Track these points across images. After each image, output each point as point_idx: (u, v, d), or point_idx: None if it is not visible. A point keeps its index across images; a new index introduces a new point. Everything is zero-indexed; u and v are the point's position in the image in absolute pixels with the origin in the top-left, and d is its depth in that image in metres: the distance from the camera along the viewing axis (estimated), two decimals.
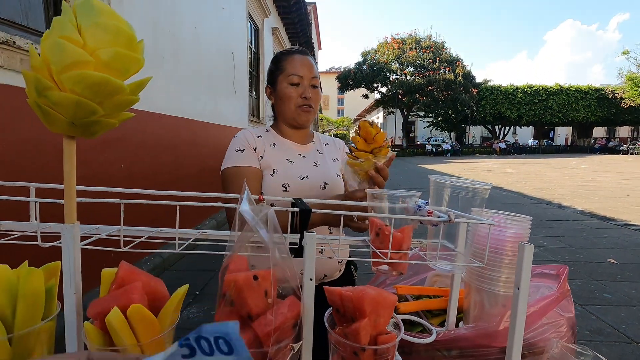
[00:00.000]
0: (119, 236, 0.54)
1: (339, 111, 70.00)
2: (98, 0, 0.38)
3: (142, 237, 0.58)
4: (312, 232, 0.46)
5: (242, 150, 1.03)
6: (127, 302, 0.40)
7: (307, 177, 1.04)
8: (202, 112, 4.84)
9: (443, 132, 35.22)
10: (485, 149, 31.76)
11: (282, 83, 1.07)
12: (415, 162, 20.98)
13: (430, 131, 35.92)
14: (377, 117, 43.00)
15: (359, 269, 1.27)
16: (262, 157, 1.04)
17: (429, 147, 30.06)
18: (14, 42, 2.07)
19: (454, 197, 0.65)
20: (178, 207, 0.53)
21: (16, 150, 2.06)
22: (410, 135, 38.29)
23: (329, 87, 50.18)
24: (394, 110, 31.32)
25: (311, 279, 0.46)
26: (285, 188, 1.00)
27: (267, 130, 1.15)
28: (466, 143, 36.21)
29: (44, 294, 0.43)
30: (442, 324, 0.78)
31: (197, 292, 2.98)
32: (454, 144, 31.48)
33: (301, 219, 0.56)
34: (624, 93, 27.98)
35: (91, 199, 0.54)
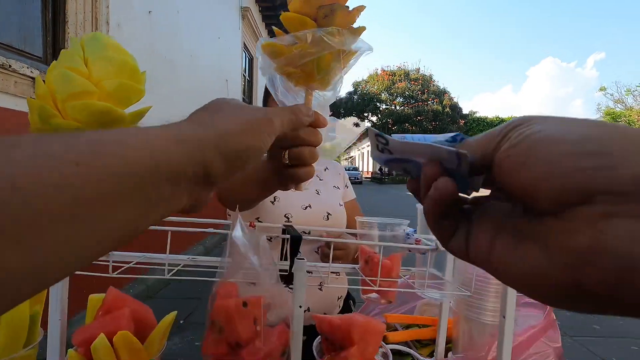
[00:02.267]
0: (107, 261, 0.54)
1: None
2: (105, 35, 0.40)
3: (130, 262, 0.58)
4: (303, 259, 0.47)
5: None
6: (115, 328, 0.40)
7: (309, 206, 1.00)
8: None
9: None
10: None
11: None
12: (404, 189, 21.16)
13: None
14: (367, 145, 43.63)
15: (357, 301, 1.22)
16: None
17: None
18: (10, 66, 2.10)
19: None
20: (169, 233, 0.54)
21: None
22: None
23: None
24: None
25: (300, 307, 0.47)
26: (288, 219, 0.96)
27: None
28: None
29: (27, 320, 0.42)
30: (431, 354, 0.77)
31: (181, 322, 2.87)
32: None
33: (292, 246, 0.57)
34: None
35: None
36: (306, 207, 0.99)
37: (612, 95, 29.12)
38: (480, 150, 0.20)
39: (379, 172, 34.51)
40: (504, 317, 0.51)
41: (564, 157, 0.15)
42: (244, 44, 7.78)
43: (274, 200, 0.98)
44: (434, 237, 0.66)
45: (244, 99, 8.01)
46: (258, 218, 0.98)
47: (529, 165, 0.16)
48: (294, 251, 0.57)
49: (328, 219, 1.00)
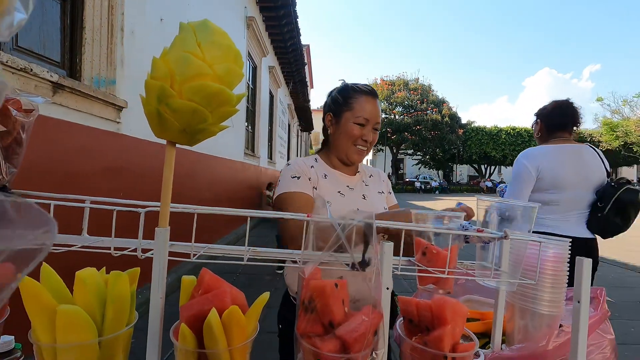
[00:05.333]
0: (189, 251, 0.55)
1: None
2: (211, 22, 0.42)
3: (198, 252, 0.59)
4: (390, 242, 0.48)
5: (298, 177, 1.03)
6: (221, 305, 0.40)
7: (358, 209, 1.03)
8: (201, 144, 4.88)
9: (431, 169, 36.00)
10: (473, 187, 32.44)
11: (347, 120, 1.08)
12: (405, 198, 21.17)
13: (419, 169, 36.69)
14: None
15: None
16: (315, 187, 1.04)
17: (417, 184, 30.61)
18: (31, 70, 2.12)
19: (501, 218, 0.68)
20: (249, 219, 0.55)
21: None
22: (399, 172, 39.00)
23: (320, 124, 51.50)
24: (383, 147, 32.07)
25: (387, 288, 0.48)
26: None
27: (315, 159, 1.14)
28: (454, 181, 36.99)
29: (129, 298, 0.43)
30: (482, 347, 0.78)
31: None
32: (442, 181, 32.11)
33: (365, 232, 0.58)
34: (601, 137, 29.41)
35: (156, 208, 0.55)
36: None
37: (609, 105, 29.42)
38: None
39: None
40: (578, 302, 0.52)
41: None
42: (249, 52, 7.87)
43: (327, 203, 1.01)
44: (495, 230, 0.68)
45: (247, 107, 8.06)
46: None
47: None
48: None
49: None
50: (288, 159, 15.70)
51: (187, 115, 0.39)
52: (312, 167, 1.09)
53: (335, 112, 1.13)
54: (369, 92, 1.11)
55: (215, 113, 0.41)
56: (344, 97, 1.11)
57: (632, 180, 1.72)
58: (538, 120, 1.99)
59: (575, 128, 1.89)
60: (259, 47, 8.63)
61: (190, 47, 0.39)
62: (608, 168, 1.82)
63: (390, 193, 1.24)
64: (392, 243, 0.49)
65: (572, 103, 1.90)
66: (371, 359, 0.45)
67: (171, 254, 0.56)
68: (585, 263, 0.51)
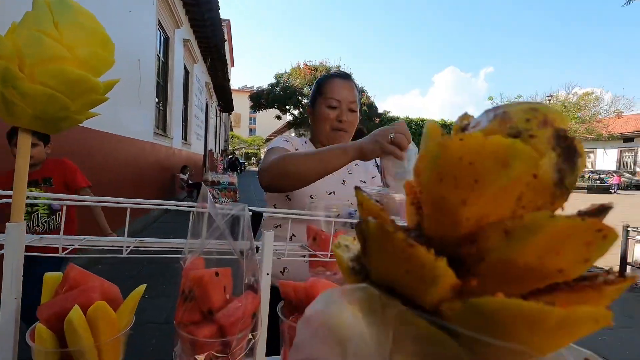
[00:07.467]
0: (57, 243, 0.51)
1: (250, 130, 69.61)
2: (74, 1, 0.39)
3: (74, 244, 0.55)
4: (271, 232, 0.51)
5: (289, 142, 1.08)
6: (87, 301, 0.39)
7: (333, 193, 1.05)
8: (99, 120, 4.34)
9: None
10: None
11: (320, 105, 1.10)
12: None
13: None
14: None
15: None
16: None
17: None
18: None
19: None
20: (128, 210, 0.53)
21: None
22: None
23: (241, 105, 49.77)
24: (305, 132, 32.47)
25: (268, 274, 0.51)
26: (312, 200, 1.01)
27: (305, 142, 1.17)
28: None
29: None
30: None
31: None
32: None
33: (253, 221, 0.60)
34: None
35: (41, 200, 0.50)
36: (330, 193, 1.04)
37: (497, 104, 34.07)
38: None
39: None
40: None
41: None
42: (159, 21, 7.16)
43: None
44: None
45: (158, 82, 7.37)
46: (287, 195, 1.04)
47: None
48: (256, 226, 0.60)
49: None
50: (206, 140, 14.90)
51: (41, 102, 0.36)
52: (304, 143, 1.16)
53: (312, 102, 1.16)
54: (338, 75, 1.14)
55: (78, 101, 0.38)
56: (317, 85, 1.16)
57: None
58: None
59: None
60: (172, 17, 7.91)
61: (44, 26, 0.36)
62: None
63: (374, 177, 1.22)
64: (273, 232, 0.52)
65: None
66: (249, 339, 0.48)
67: (38, 249, 0.51)
68: None
